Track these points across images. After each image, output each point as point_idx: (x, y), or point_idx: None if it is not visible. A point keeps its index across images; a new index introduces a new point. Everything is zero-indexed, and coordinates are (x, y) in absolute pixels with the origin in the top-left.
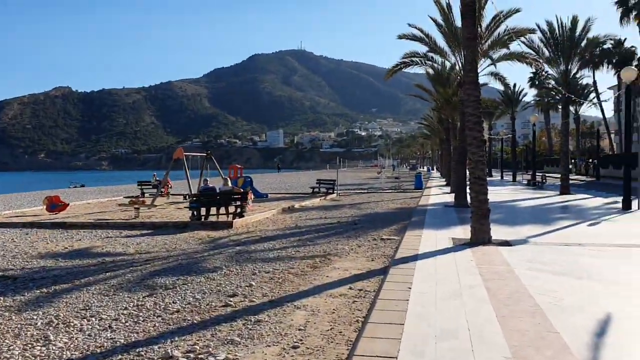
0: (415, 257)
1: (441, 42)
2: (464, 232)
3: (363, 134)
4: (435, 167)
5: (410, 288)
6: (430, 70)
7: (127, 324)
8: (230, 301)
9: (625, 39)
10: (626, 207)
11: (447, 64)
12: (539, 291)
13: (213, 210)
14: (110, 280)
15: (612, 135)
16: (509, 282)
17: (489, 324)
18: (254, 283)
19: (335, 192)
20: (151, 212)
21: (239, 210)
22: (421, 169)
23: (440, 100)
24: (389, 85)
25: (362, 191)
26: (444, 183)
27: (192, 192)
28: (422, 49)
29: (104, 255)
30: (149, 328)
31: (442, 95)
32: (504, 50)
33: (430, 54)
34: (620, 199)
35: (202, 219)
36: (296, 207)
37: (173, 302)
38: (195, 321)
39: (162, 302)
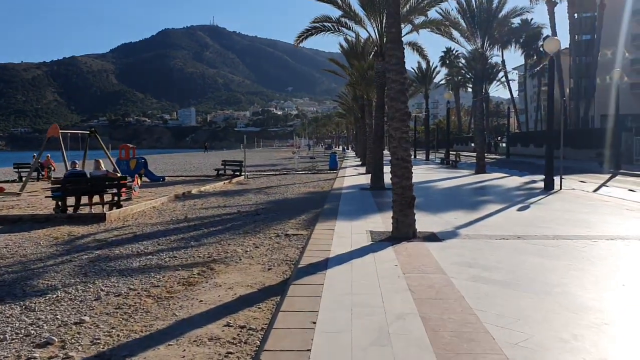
0: (325, 264)
1: (356, 6)
2: (383, 221)
3: (279, 113)
4: (350, 147)
5: (315, 323)
6: (345, 44)
7: None
8: (34, 357)
9: (532, 19)
10: (548, 187)
11: (362, 37)
12: (497, 323)
13: (86, 199)
14: None
15: (516, 115)
16: (451, 305)
17: None
18: (88, 318)
19: (242, 174)
20: (17, 200)
21: (116, 199)
22: (337, 149)
23: (355, 75)
24: (305, 64)
25: (274, 173)
26: (360, 163)
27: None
28: (335, 13)
29: None
30: None
31: (357, 69)
32: (422, 18)
33: (344, 20)
34: (536, 177)
35: (71, 211)
36: (193, 193)
37: None
38: None
39: None
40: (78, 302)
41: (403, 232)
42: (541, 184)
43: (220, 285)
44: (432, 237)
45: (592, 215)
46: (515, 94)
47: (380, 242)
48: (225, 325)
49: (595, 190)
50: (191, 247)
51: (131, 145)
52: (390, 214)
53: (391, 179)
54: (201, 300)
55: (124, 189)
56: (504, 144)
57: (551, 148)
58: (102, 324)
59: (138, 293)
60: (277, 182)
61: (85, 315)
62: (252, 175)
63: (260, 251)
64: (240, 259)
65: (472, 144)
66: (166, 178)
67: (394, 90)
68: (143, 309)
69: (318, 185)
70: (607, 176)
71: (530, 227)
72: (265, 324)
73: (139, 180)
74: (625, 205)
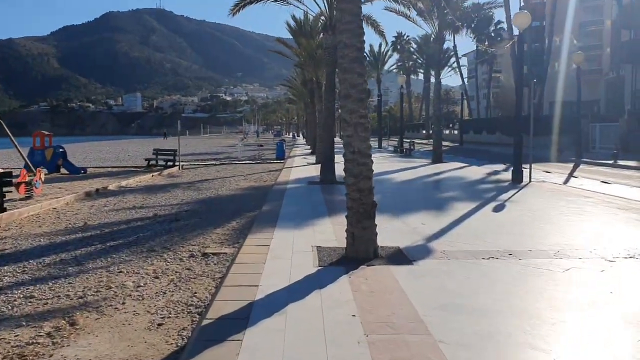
0: (246, 317)
1: None
2: (334, 230)
3: (228, 98)
4: (301, 134)
5: None
6: (292, 22)
7: None
8: None
9: (484, 2)
10: (517, 179)
11: (312, 14)
12: None
13: None
14: None
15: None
16: None
17: None
18: None
19: (177, 164)
20: None
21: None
22: (287, 136)
23: (303, 55)
24: (255, 49)
25: (215, 162)
26: (310, 151)
27: None
28: None
29: None
30: None
31: (305, 48)
32: None
33: None
34: (496, 167)
35: None
36: (110, 189)
37: None
38: None
39: None
40: None
41: (361, 250)
42: (506, 175)
43: None
44: (399, 257)
45: (583, 217)
46: (465, 81)
47: (331, 266)
48: None
49: (565, 182)
50: (65, 277)
51: (46, 133)
52: (343, 216)
53: (345, 179)
54: None
55: (22, 186)
56: (455, 131)
57: (520, 137)
58: None
59: None
60: (214, 173)
61: None
62: (189, 165)
63: (159, 286)
64: (124, 302)
65: (424, 131)
66: (89, 170)
67: (348, 59)
68: None
69: (261, 178)
70: (570, 165)
71: (519, 236)
72: None
73: (42, 175)
74: (614, 202)
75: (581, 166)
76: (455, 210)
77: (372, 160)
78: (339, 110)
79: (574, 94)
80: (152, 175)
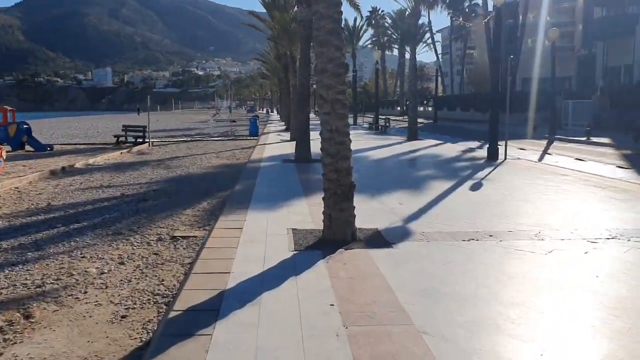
0: (217, 307)
1: None
2: (310, 211)
3: (200, 73)
4: (275, 109)
5: None
6: None
7: None
8: None
9: None
10: (492, 156)
11: None
12: None
13: None
14: None
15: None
16: None
17: None
18: None
19: (146, 141)
20: None
21: None
22: (261, 111)
23: (277, 29)
24: (228, 23)
25: (186, 139)
26: (284, 128)
27: None
28: None
29: None
30: None
31: (278, 21)
32: None
33: None
34: (471, 144)
35: None
36: (77, 167)
37: None
38: None
39: None
40: None
41: (338, 233)
42: (481, 153)
43: None
44: (378, 239)
45: (561, 195)
46: (439, 58)
47: (307, 250)
48: None
49: (540, 160)
50: (23, 264)
51: (9, 108)
52: (319, 197)
53: (322, 158)
54: None
55: None
56: (429, 108)
57: (496, 114)
58: None
59: None
60: (185, 151)
61: None
62: (159, 142)
63: (124, 273)
64: (86, 291)
65: (398, 108)
66: (56, 147)
67: (324, 31)
68: None
69: (234, 155)
70: (544, 142)
71: (498, 216)
72: None
73: (4, 152)
74: (590, 180)
75: (555, 143)
76: (432, 190)
77: (350, 139)
78: (314, 86)
79: (547, 71)
80: (121, 153)
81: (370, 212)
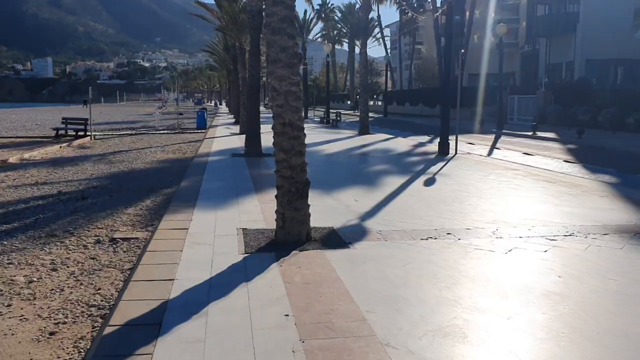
0: (159, 320)
1: None
2: (262, 209)
3: (146, 65)
4: (224, 102)
5: None
6: None
7: None
8: None
9: None
10: (443, 151)
11: None
12: None
13: None
14: None
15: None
16: None
17: None
18: None
19: (88, 134)
20: None
21: None
22: (209, 104)
23: (225, 19)
24: (176, 14)
25: (131, 132)
26: (233, 121)
27: None
28: None
29: None
30: None
31: (227, 12)
32: None
33: None
34: (420, 138)
35: None
36: (11, 162)
37: None
38: None
39: None
40: None
41: (293, 233)
42: (432, 147)
43: None
44: (334, 239)
45: (515, 191)
46: (389, 52)
47: (259, 252)
48: None
49: (489, 154)
50: None
51: None
52: (271, 194)
53: (274, 153)
54: None
55: None
56: (379, 102)
57: (447, 108)
58: None
59: None
60: (129, 144)
61: None
62: (102, 135)
63: (56, 281)
64: (10, 304)
65: (349, 102)
66: None
67: (277, 18)
68: None
69: (180, 149)
70: (492, 137)
71: (454, 213)
72: None
73: None
74: (540, 175)
75: (502, 137)
76: (387, 185)
77: (304, 134)
78: (264, 79)
79: (492, 67)
80: (60, 147)
81: (325, 209)
